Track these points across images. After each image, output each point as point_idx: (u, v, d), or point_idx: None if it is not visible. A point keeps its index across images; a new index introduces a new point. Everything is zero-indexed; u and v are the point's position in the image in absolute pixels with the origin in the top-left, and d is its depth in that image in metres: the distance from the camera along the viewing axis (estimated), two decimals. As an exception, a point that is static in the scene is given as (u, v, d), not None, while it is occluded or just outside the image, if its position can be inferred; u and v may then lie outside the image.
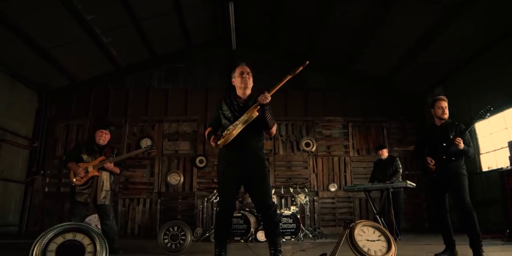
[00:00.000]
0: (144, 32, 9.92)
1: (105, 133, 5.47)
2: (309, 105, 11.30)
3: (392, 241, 3.96)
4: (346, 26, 9.55)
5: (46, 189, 10.40)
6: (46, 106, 10.82)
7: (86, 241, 2.59)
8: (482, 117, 4.18)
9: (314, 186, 10.70)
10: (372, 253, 3.77)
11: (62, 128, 10.89)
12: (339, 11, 9.06)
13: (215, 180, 10.30)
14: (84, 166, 5.24)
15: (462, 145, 4.17)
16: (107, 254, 2.64)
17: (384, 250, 3.84)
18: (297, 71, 3.44)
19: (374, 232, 3.96)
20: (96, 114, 11.03)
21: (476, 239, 4.01)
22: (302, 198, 8.32)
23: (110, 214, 5.35)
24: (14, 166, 9.82)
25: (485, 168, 9.02)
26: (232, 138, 3.34)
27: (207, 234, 7.79)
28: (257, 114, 3.37)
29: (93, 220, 7.75)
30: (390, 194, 7.03)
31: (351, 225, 3.91)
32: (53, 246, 2.51)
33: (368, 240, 3.86)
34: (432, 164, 4.36)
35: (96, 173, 5.25)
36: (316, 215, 9.35)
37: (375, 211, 7.36)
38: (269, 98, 3.35)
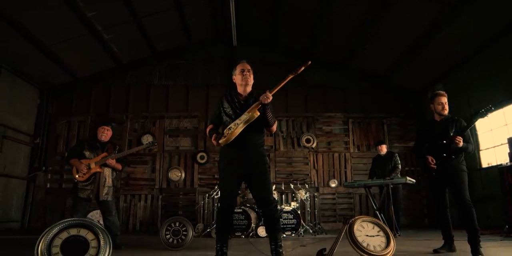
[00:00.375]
0: (145, 29, 9.93)
1: (107, 130, 5.52)
2: (309, 102, 11.33)
3: (391, 236, 4.00)
4: (347, 23, 9.56)
5: (48, 185, 10.46)
6: (47, 103, 10.86)
7: (90, 236, 2.64)
8: (482, 116, 4.19)
9: (314, 182, 10.75)
10: (371, 248, 3.82)
11: (64, 125, 10.94)
12: (339, 8, 9.06)
13: (216, 176, 10.36)
14: (86, 163, 5.29)
15: (461, 144, 4.20)
16: (111, 249, 2.69)
17: (383, 245, 3.89)
18: (299, 71, 3.46)
19: (373, 228, 4.00)
20: (97, 111, 11.08)
21: (475, 234, 4.05)
22: (302, 194, 8.37)
23: (113, 210, 5.41)
24: (16, 162, 9.87)
25: (485, 164, 9.05)
26: (233, 137, 3.38)
27: (208, 230, 7.85)
28: (259, 114, 3.40)
29: (95, 216, 7.79)
30: (390, 190, 7.07)
31: (350, 221, 3.95)
32: (58, 241, 2.55)
33: (367, 235, 3.91)
34: (433, 163, 4.39)
35: (98, 170, 5.29)
36: (316, 211, 9.40)
37: (375, 207, 7.41)
38: (271, 98, 3.38)
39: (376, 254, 3.80)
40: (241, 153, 3.46)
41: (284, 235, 7.49)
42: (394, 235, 6.43)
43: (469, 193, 4.33)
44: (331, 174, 10.89)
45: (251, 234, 7.51)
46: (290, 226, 7.72)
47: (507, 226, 6.73)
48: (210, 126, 3.75)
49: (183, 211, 10.31)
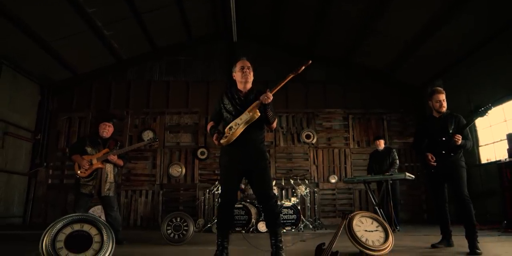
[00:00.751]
0: (145, 25, 9.95)
1: (109, 126, 5.55)
2: (309, 97, 11.36)
3: (389, 231, 4.05)
4: (346, 19, 9.56)
5: (49, 181, 10.52)
6: (48, 99, 10.89)
7: (93, 231, 2.68)
8: (481, 115, 4.20)
9: (314, 177, 10.80)
10: (370, 243, 3.87)
11: (64, 121, 10.97)
12: (338, 4, 9.07)
13: (216, 172, 10.41)
14: (88, 159, 5.32)
15: (460, 142, 4.24)
16: (114, 244, 2.73)
17: (381, 240, 3.94)
18: (300, 71, 3.48)
19: (372, 223, 4.05)
20: (98, 107, 11.11)
21: (472, 230, 4.09)
22: (302, 190, 8.41)
23: (114, 206, 5.46)
24: (18, 158, 9.91)
25: (484, 160, 9.10)
26: (235, 138, 3.42)
27: (209, 225, 7.91)
28: (259, 114, 3.44)
29: (97, 212, 7.86)
30: (389, 186, 7.11)
31: (349, 216, 4.00)
32: (62, 236, 2.60)
33: (366, 230, 3.96)
34: (433, 160, 4.42)
35: (100, 165, 5.34)
36: (316, 206, 9.45)
37: (374, 203, 7.45)
38: (271, 98, 3.41)
39: (374, 249, 3.85)
40: (241, 149, 3.50)
41: (284, 230, 7.55)
42: (393, 231, 6.50)
43: (468, 189, 4.37)
44: (331, 169, 10.94)
45: (251, 230, 7.57)
46: (290, 221, 7.78)
47: (505, 222, 6.78)
48: (210, 123, 3.78)
49: (183, 206, 10.37)
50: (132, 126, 10.98)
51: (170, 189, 10.60)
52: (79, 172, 5.29)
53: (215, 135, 3.55)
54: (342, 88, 11.54)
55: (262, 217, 7.49)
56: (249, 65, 3.72)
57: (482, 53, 8.81)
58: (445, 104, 4.58)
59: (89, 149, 5.41)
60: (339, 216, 10.21)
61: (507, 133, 7.56)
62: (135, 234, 7.11)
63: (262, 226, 7.48)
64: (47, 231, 2.59)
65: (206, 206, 9.02)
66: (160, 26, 10.29)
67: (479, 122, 9.13)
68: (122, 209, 10.04)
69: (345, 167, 10.96)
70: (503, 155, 7.81)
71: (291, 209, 7.85)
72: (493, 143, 8.82)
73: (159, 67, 11.54)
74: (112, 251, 2.71)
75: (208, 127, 3.78)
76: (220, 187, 7.39)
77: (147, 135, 10.73)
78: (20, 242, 5.80)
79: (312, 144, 11.06)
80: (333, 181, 10.74)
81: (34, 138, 10.45)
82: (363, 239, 3.90)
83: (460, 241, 4.45)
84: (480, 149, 9.21)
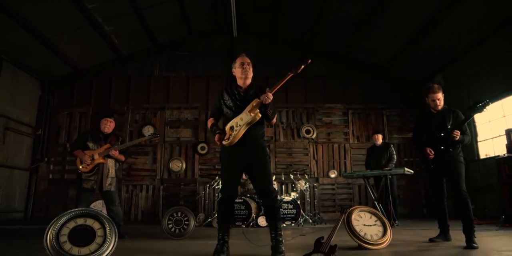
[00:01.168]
0: (145, 21, 9.96)
1: (110, 122, 5.60)
2: (309, 93, 11.38)
3: (388, 226, 4.11)
4: (346, 15, 9.56)
5: (50, 176, 10.58)
6: (48, 94, 10.93)
7: (96, 225, 2.73)
8: (479, 110, 4.23)
9: (314, 172, 10.86)
10: (369, 237, 3.93)
11: (65, 116, 11.01)
12: (338, 0, 9.08)
13: (216, 167, 10.47)
14: (90, 154, 5.37)
15: (459, 138, 4.28)
16: (116, 238, 2.79)
17: (380, 234, 4.00)
18: (299, 70, 3.51)
19: (370, 217, 4.12)
20: (98, 102, 11.14)
21: (469, 224, 4.13)
22: (302, 184, 8.46)
23: (116, 200, 5.51)
24: (19, 154, 9.97)
25: (482, 155, 9.15)
26: (237, 139, 3.48)
27: (209, 220, 7.97)
28: (260, 116, 3.49)
29: (98, 206, 7.90)
30: (388, 181, 7.15)
31: (348, 211, 4.06)
32: (65, 230, 2.65)
33: (364, 225, 4.02)
34: (432, 154, 4.46)
35: (101, 161, 5.38)
36: (316, 201, 9.51)
37: (373, 197, 7.50)
38: (271, 98, 3.45)
39: (373, 243, 3.91)
40: (242, 145, 3.53)
41: (284, 225, 7.61)
42: (392, 225, 6.56)
43: (467, 184, 4.41)
44: (330, 164, 10.99)
45: (251, 224, 7.63)
46: (290, 216, 7.83)
47: (503, 216, 6.84)
48: (210, 120, 3.83)
49: (184, 201, 10.43)
50: (132, 121, 11.01)
51: (171, 184, 10.65)
52: (81, 167, 5.34)
53: (217, 136, 3.59)
54: (342, 83, 11.56)
55: (262, 211, 7.55)
56: (249, 61, 3.76)
57: (482, 49, 8.84)
58: (441, 102, 4.61)
59: (90, 145, 5.45)
60: (339, 210, 10.27)
61: (506, 128, 7.59)
62: (136, 229, 7.17)
63: (262, 221, 7.54)
64: (51, 226, 2.63)
65: (207, 201, 9.08)
66: (160, 22, 10.29)
67: (478, 117, 9.17)
68: (123, 204, 10.10)
69: (345, 162, 11.01)
70: (501, 151, 7.85)
71: (291, 204, 7.90)
72: (492, 138, 8.86)
73: (159, 62, 11.56)
74: (115, 245, 2.76)
75: (209, 123, 3.83)
76: (220, 182, 7.45)
77: (148, 130, 10.77)
78: (23, 237, 5.86)
79: (312, 139, 11.10)
80: (332, 176, 10.79)
81: (35, 133, 10.50)
82: (362, 233, 3.96)
83: (457, 236, 4.50)
84: (479, 144, 9.26)
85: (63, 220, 2.66)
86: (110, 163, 5.49)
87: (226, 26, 10.98)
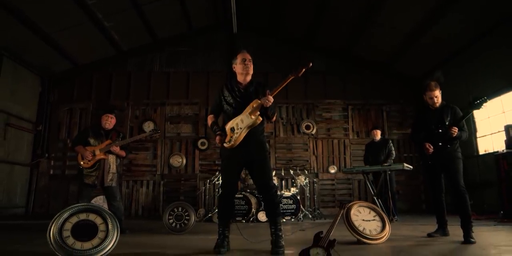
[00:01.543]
0: (145, 16, 9.94)
1: (111, 118, 5.63)
2: (309, 88, 11.37)
3: (386, 221, 4.15)
4: (346, 10, 9.56)
5: (51, 172, 10.60)
6: (49, 90, 10.93)
7: (98, 220, 2.77)
8: (477, 107, 4.25)
9: (314, 168, 10.89)
10: (367, 232, 3.98)
11: (65, 112, 11.03)
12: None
13: (217, 162, 10.51)
14: (91, 150, 5.41)
15: (456, 134, 4.31)
16: (119, 233, 2.82)
17: (378, 229, 4.05)
18: (300, 74, 3.52)
19: (369, 213, 4.16)
20: (99, 98, 11.15)
21: (467, 220, 4.17)
22: (302, 180, 8.50)
23: (117, 196, 5.56)
24: (19, 150, 10.00)
25: (481, 151, 9.17)
26: (238, 142, 3.52)
27: (209, 215, 8.01)
28: (261, 119, 3.54)
29: (99, 202, 7.96)
30: (388, 177, 7.18)
31: (347, 206, 4.09)
32: (68, 225, 2.68)
33: (363, 220, 4.06)
34: (431, 149, 4.49)
35: (103, 156, 5.42)
36: (315, 196, 9.55)
37: (373, 193, 7.54)
38: (272, 101, 3.49)
39: (371, 237, 3.96)
40: (242, 141, 3.57)
41: (284, 220, 7.65)
42: (391, 220, 6.61)
43: (466, 179, 4.45)
44: (330, 160, 11.02)
45: (251, 219, 7.68)
46: (289, 211, 7.88)
47: (501, 212, 6.88)
48: (210, 116, 3.86)
49: (184, 196, 10.47)
50: (132, 117, 11.03)
51: (171, 180, 10.69)
52: (82, 163, 5.39)
53: (217, 138, 3.64)
54: (342, 79, 11.56)
55: (262, 207, 7.60)
56: (250, 57, 3.79)
57: (481, 45, 8.84)
58: (438, 99, 4.64)
59: (92, 140, 5.50)
60: (338, 206, 10.31)
61: (505, 124, 7.62)
62: (137, 224, 7.22)
63: (262, 216, 7.58)
64: (54, 221, 2.67)
65: (207, 196, 9.13)
66: (160, 17, 10.28)
67: (478, 113, 9.19)
68: (123, 199, 10.12)
69: (344, 158, 11.04)
70: (500, 146, 7.88)
71: (290, 199, 7.95)
72: (491, 134, 8.88)
73: (159, 58, 11.55)
74: (117, 240, 2.80)
75: (209, 120, 3.86)
76: (220, 178, 7.49)
77: (148, 126, 10.80)
78: (24, 232, 5.90)
79: (312, 134, 11.13)
80: (332, 171, 10.83)
81: (36, 129, 10.52)
82: (361, 228, 4.00)
83: (455, 231, 4.54)
84: (478, 140, 9.28)
85: (66, 215, 2.70)
86: (111, 158, 5.54)
87: (226, 22, 10.99)
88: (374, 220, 4.13)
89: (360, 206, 4.24)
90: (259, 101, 3.50)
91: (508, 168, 7.07)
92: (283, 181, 10.30)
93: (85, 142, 5.50)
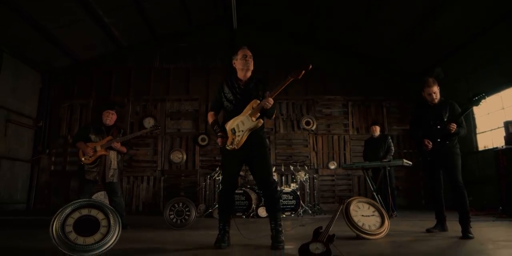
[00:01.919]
0: (146, 12, 9.94)
1: (112, 114, 5.66)
2: (309, 84, 11.37)
3: (385, 216, 4.18)
4: (347, 6, 9.55)
5: (52, 168, 10.64)
6: (49, 86, 10.96)
7: (100, 216, 2.79)
8: (476, 104, 4.26)
9: (314, 163, 10.92)
10: (366, 227, 4.01)
11: (66, 108, 11.05)
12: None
13: (217, 158, 10.54)
14: (92, 146, 5.44)
15: (455, 130, 4.33)
16: (120, 228, 2.85)
17: (378, 224, 4.08)
18: (300, 76, 3.55)
19: (368, 208, 4.18)
20: (99, 94, 11.17)
21: (465, 215, 4.20)
22: (302, 176, 8.53)
23: (118, 191, 5.60)
24: (20, 146, 10.03)
25: (481, 147, 9.19)
26: (241, 145, 3.56)
27: (210, 210, 8.05)
28: (262, 122, 3.59)
29: (100, 197, 7.98)
30: (387, 172, 7.20)
31: (346, 201, 4.12)
32: (70, 221, 2.70)
33: (363, 215, 4.09)
34: (430, 145, 4.51)
35: (104, 152, 5.45)
36: (315, 192, 9.58)
37: (372, 189, 7.56)
38: (272, 102, 3.51)
39: (370, 233, 3.99)
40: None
41: (284, 216, 7.69)
42: (390, 216, 6.64)
43: (466, 175, 4.47)
44: (330, 156, 11.05)
45: (251, 215, 7.71)
46: (289, 206, 7.92)
47: (500, 207, 6.92)
48: (211, 113, 3.89)
49: (185, 192, 10.51)
50: (133, 113, 11.06)
51: (171, 175, 10.73)
52: (83, 159, 5.41)
53: (219, 140, 3.67)
54: (342, 75, 11.55)
55: (262, 202, 7.64)
56: (250, 54, 3.82)
57: (481, 41, 8.84)
58: (437, 95, 4.65)
59: (92, 137, 5.52)
60: (338, 201, 10.35)
61: (505, 120, 7.63)
62: (138, 219, 7.26)
63: (262, 211, 7.62)
64: (56, 216, 2.69)
65: (207, 192, 9.16)
66: (160, 13, 10.28)
67: (477, 109, 9.20)
68: (124, 195, 10.17)
69: (344, 154, 11.07)
70: (500, 142, 7.91)
71: (290, 195, 7.98)
72: (491, 130, 8.90)
73: (159, 54, 11.55)
74: (118, 235, 2.82)
75: (209, 118, 3.88)
76: (221, 174, 7.52)
77: (148, 122, 10.82)
78: (26, 227, 5.93)
79: (312, 130, 11.15)
80: (332, 167, 10.86)
81: (36, 125, 10.55)
82: (360, 224, 4.03)
83: (454, 226, 4.57)
84: (478, 136, 9.30)
85: (68, 210, 2.72)
86: (112, 154, 5.57)
87: (226, 18, 10.99)
88: (373, 215, 4.16)
89: (359, 201, 4.27)
90: (259, 102, 3.53)
91: (507, 164, 7.09)
92: (283, 177, 10.33)
93: (86, 138, 5.52)
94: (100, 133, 5.56)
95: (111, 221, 2.79)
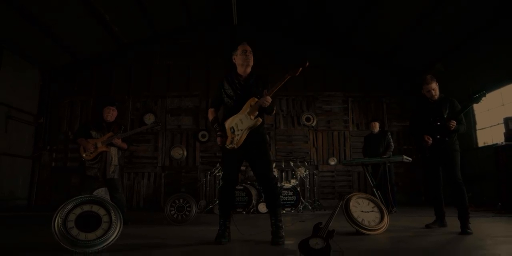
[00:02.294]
0: (146, 9, 9.91)
1: (113, 110, 5.67)
2: (309, 81, 11.36)
3: (385, 212, 4.20)
4: (346, 1, 9.54)
5: (53, 164, 10.67)
6: (50, 83, 10.96)
7: (102, 212, 2.82)
8: (476, 101, 4.27)
9: (314, 160, 10.94)
10: (366, 223, 4.03)
11: (66, 105, 11.06)
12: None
13: (217, 154, 10.55)
14: (93, 142, 5.45)
15: (454, 127, 4.34)
16: (122, 224, 2.88)
17: (377, 220, 4.10)
18: (297, 73, 3.57)
19: (368, 204, 4.20)
20: (99, 90, 11.17)
21: (464, 211, 4.22)
22: (302, 172, 8.55)
23: (119, 188, 5.62)
24: (21, 142, 10.04)
25: (481, 143, 9.20)
26: (240, 144, 3.58)
27: (210, 206, 8.09)
28: (261, 120, 3.62)
29: (101, 194, 8.01)
30: (387, 168, 7.22)
31: (346, 197, 4.14)
32: (72, 217, 2.73)
33: (362, 211, 4.11)
34: (430, 141, 4.53)
35: (104, 149, 5.47)
36: (315, 188, 9.60)
37: (372, 185, 7.58)
38: (270, 101, 3.53)
39: (370, 228, 4.01)
40: (243, 137, 3.62)
41: (284, 211, 7.72)
42: (390, 212, 6.67)
43: (465, 171, 4.49)
44: (330, 152, 11.07)
45: (252, 210, 7.75)
46: (290, 202, 7.95)
47: (499, 204, 6.93)
48: (211, 110, 3.89)
49: (185, 188, 10.51)
50: (133, 110, 11.07)
51: (172, 171, 10.75)
52: (84, 155, 5.43)
53: (219, 139, 3.70)
54: (342, 71, 11.54)
55: (263, 198, 7.67)
56: (250, 49, 3.83)
57: (481, 38, 8.82)
58: (436, 92, 4.67)
59: (93, 133, 5.54)
60: (338, 197, 10.38)
61: (504, 117, 7.64)
62: (139, 215, 7.29)
63: (262, 207, 7.66)
64: (58, 212, 2.72)
65: (208, 188, 9.20)
66: (160, 10, 10.25)
67: (477, 106, 9.18)
68: (125, 191, 10.18)
69: (344, 150, 11.09)
70: (499, 139, 7.91)
71: (290, 191, 8.01)
72: (491, 126, 8.91)
73: (159, 51, 11.54)
74: (120, 231, 2.85)
75: (209, 115, 3.89)
76: (221, 170, 7.54)
77: (149, 118, 10.84)
78: (27, 224, 5.97)
79: (312, 126, 11.16)
80: (332, 163, 10.88)
81: (37, 121, 10.56)
82: (359, 219, 4.05)
83: (453, 222, 4.59)
84: (478, 132, 9.31)
85: (69, 206, 2.75)
86: (113, 151, 5.58)
87: (226, 14, 10.95)
88: (372, 211, 4.19)
89: (359, 197, 4.29)
90: (257, 100, 3.54)
91: (507, 160, 7.10)
92: (283, 173, 10.35)
93: (87, 134, 5.54)
94: (101, 129, 5.58)
95: (113, 217, 2.81)
